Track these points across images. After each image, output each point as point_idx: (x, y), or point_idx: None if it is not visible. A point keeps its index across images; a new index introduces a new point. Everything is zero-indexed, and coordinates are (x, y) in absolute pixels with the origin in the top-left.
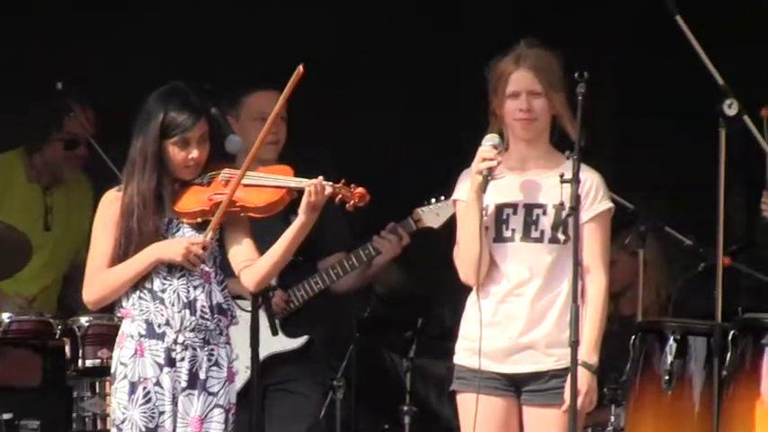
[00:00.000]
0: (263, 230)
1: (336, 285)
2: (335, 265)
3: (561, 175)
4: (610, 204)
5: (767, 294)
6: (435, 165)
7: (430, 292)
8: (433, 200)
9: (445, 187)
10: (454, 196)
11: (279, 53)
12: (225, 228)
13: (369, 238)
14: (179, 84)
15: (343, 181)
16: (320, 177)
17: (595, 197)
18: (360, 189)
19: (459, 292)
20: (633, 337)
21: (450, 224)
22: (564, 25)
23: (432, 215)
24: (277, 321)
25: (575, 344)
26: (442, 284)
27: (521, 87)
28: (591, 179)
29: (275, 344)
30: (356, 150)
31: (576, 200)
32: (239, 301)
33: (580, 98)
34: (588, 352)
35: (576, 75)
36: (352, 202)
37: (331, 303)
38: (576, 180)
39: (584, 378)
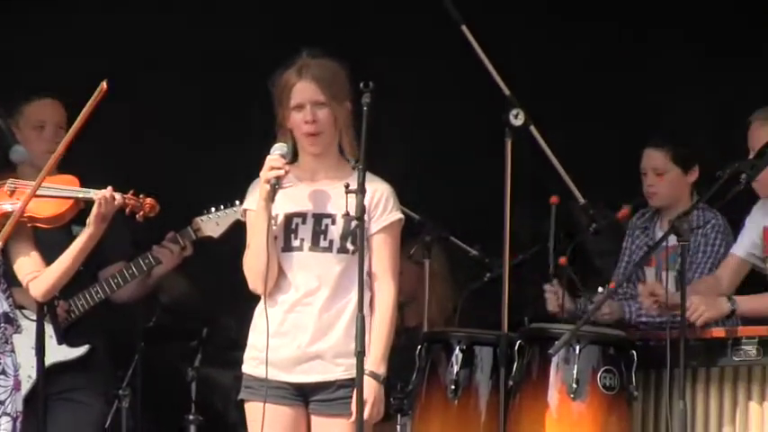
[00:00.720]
0: (48, 240)
1: (117, 295)
2: (116, 275)
3: (347, 186)
4: (400, 215)
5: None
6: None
7: (216, 301)
8: (213, 209)
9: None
10: (244, 206)
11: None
12: (10, 238)
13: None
14: None
15: (132, 191)
16: (109, 188)
17: (385, 208)
18: (149, 199)
19: (247, 302)
20: (419, 347)
21: (239, 233)
22: (349, 36)
23: (211, 224)
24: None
25: (360, 354)
26: (229, 294)
27: (304, 99)
28: (381, 190)
29: (57, 353)
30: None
31: (362, 210)
32: (23, 311)
33: (365, 108)
34: (376, 362)
35: (362, 85)
36: (141, 212)
37: (114, 313)
38: (361, 191)
39: (372, 388)
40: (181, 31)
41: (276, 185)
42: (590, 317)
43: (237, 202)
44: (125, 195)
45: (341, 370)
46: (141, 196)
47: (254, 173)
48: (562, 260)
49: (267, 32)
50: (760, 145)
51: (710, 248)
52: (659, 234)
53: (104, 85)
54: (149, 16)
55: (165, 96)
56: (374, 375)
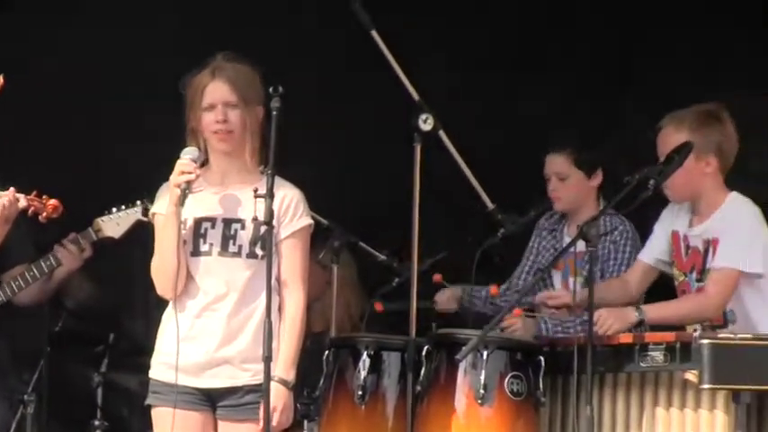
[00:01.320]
0: None
1: (19, 298)
2: (17, 277)
3: (255, 190)
4: (309, 221)
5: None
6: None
7: (123, 306)
8: (114, 209)
9: None
10: (153, 209)
11: None
12: None
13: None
14: None
15: (35, 192)
16: (12, 189)
17: (295, 213)
18: (53, 201)
19: (155, 307)
20: (327, 352)
21: (145, 236)
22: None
23: (112, 225)
24: None
25: (267, 359)
26: (137, 298)
27: (216, 99)
28: (290, 195)
29: None
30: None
31: (270, 215)
32: None
33: (275, 113)
34: (285, 368)
35: (271, 89)
36: (44, 213)
37: (19, 316)
38: (269, 195)
39: (280, 394)
40: (84, 33)
41: (186, 190)
42: (498, 321)
43: (138, 202)
44: (28, 197)
45: (249, 375)
46: (44, 198)
47: (153, 173)
48: (436, 277)
49: (167, 35)
50: (669, 151)
51: (621, 255)
52: (567, 238)
53: (1, 78)
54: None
55: (67, 97)
56: (283, 381)
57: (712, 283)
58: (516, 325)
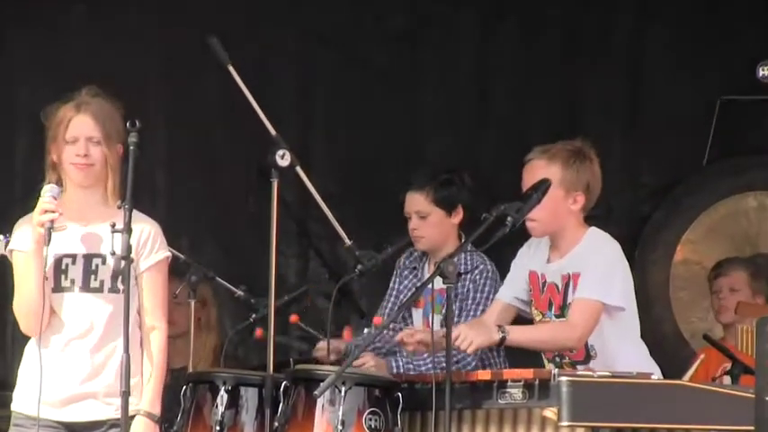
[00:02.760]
0: None
1: None
2: None
3: (113, 225)
4: (167, 253)
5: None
6: None
7: None
8: None
9: None
10: (11, 246)
11: None
12: None
13: None
14: None
15: None
16: None
17: (153, 246)
18: None
19: (19, 342)
20: (184, 387)
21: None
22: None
23: None
24: None
25: (125, 394)
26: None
27: (80, 133)
28: (148, 229)
29: None
30: None
31: (128, 249)
32: None
33: (132, 147)
34: (151, 402)
35: (128, 124)
36: None
37: None
38: (127, 230)
39: (147, 428)
40: None
41: (50, 228)
42: (355, 358)
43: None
44: None
45: (112, 409)
46: None
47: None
48: (293, 318)
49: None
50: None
51: (479, 295)
52: (428, 275)
53: None
54: None
55: None
56: (149, 415)
57: (575, 313)
58: (368, 362)
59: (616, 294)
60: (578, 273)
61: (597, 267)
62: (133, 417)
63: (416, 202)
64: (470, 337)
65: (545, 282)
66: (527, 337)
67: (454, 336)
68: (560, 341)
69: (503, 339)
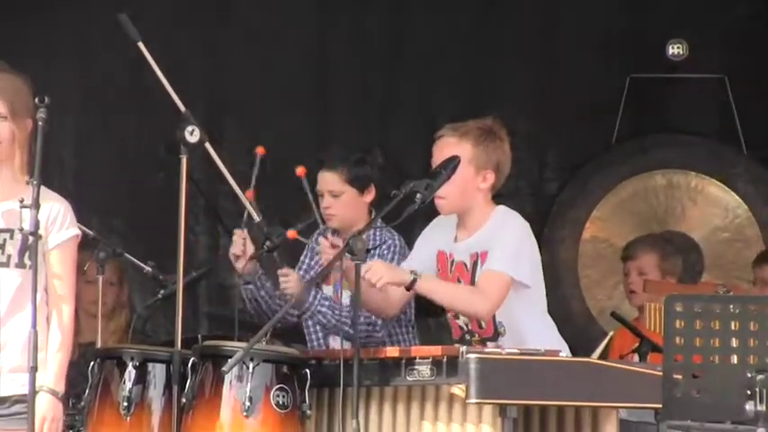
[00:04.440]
0: None
1: None
2: None
3: (21, 200)
4: (76, 231)
5: (226, 321)
6: None
7: None
8: None
9: None
10: None
11: None
12: None
13: None
14: None
15: None
16: None
17: (62, 224)
18: None
19: None
20: (92, 363)
21: None
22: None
23: None
24: None
25: (33, 369)
26: None
27: None
28: (57, 206)
29: None
30: None
31: (36, 225)
32: None
33: (41, 123)
34: (56, 378)
35: (37, 99)
36: None
37: None
38: (35, 206)
39: (51, 405)
40: None
41: None
42: (265, 334)
43: None
44: None
45: (18, 385)
46: None
47: None
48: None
49: None
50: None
51: None
52: None
53: None
54: None
55: None
56: (53, 392)
57: (486, 283)
58: (290, 280)
59: (524, 271)
60: (486, 251)
61: (506, 243)
62: (36, 393)
63: (330, 181)
64: (381, 272)
65: (453, 260)
66: (437, 288)
67: (365, 268)
68: (473, 305)
69: (413, 282)
